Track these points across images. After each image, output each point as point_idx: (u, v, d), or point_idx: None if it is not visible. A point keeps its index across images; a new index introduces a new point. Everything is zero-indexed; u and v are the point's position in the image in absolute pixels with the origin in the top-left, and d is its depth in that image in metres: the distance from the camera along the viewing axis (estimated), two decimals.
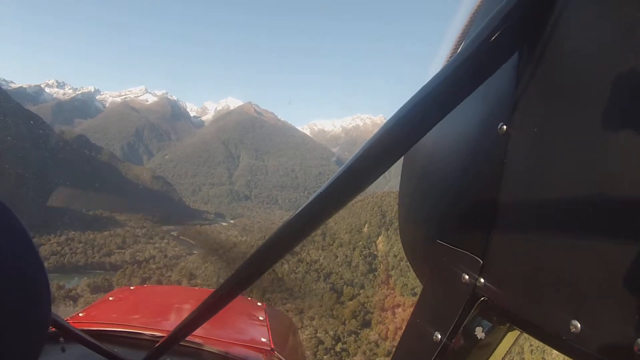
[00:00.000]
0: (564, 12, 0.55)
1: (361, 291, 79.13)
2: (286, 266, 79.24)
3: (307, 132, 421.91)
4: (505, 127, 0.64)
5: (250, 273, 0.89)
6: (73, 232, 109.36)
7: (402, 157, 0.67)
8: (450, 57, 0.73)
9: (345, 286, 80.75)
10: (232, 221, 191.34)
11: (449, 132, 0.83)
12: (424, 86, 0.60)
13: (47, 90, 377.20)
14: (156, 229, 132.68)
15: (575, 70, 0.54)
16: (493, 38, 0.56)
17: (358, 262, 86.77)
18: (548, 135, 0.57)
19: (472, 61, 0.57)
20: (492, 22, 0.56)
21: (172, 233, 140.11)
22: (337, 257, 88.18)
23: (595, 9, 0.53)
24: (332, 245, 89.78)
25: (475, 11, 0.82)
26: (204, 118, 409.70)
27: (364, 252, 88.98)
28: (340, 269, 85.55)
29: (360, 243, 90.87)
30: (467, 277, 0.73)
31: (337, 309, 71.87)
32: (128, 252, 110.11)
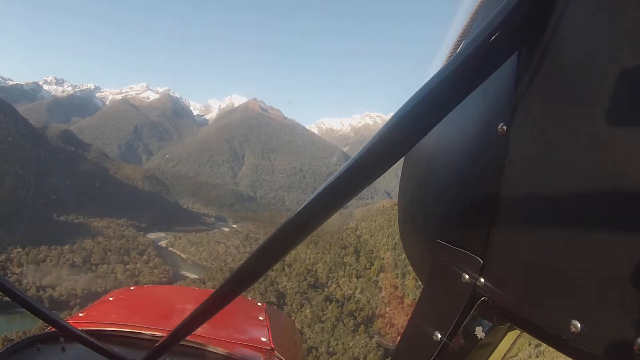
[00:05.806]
0: (564, 12, 0.56)
1: None
2: (308, 311, 53.90)
3: (315, 131, 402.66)
4: (505, 127, 0.64)
5: (250, 273, 0.87)
6: (18, 249, 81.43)
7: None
8: (450, 57, 0.72)
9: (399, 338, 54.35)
10: (234, 225, 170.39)
11: (449, 132, 0.83)
12: (423, 86, 0.59)
13: (46, 87, 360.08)
14: (138, 239, 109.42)
15: (575, 70, 0.54)
16: (493, 38, 0.56)
17: (415, 297, 60.08)
18: (548, 135, 0.57)
19: (472, 61, 0.57)
20: (492, 22, 0.56)
21: (159, 243, 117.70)
22: (380, 288, 62.37)
23: (595, 9, 0.53)
24: (370, 269, 63.85)
25: (475, 11, 0.82)
26: (207, 116, 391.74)
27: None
28: (387, 307, 59.38)
29: None
30: (467, 276, 0.73)
31: None
32: (83, 279, 79.77)
